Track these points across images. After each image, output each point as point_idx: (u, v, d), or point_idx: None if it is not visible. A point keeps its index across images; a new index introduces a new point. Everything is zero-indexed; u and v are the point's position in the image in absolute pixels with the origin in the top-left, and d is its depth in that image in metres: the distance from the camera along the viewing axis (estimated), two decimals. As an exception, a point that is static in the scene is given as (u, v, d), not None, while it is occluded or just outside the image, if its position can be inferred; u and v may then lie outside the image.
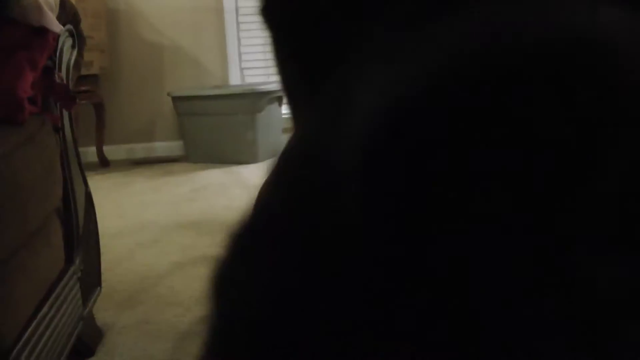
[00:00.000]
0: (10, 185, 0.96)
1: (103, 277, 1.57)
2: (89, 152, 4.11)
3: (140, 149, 4.37)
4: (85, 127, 3.91)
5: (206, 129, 3.94)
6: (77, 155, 1.48)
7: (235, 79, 4.39)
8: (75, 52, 1.55)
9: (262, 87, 3.86)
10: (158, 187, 3.29)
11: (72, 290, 1.29)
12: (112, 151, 4.25)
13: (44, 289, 1.14)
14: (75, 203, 1.40)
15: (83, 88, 3.73)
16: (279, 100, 4.06)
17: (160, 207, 2.82)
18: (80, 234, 1.41)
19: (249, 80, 4.46)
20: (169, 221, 2.54)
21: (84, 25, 3.80)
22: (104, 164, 4.09)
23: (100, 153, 4.09)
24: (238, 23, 4.34)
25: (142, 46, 4.28)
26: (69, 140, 1.44)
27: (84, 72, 3.62)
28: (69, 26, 1.49)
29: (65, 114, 1.45)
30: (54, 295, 1.16)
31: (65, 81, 1.45)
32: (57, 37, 1.37)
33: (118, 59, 4.23)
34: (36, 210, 1.09)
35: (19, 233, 0.99)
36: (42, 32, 1.29)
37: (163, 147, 4.37)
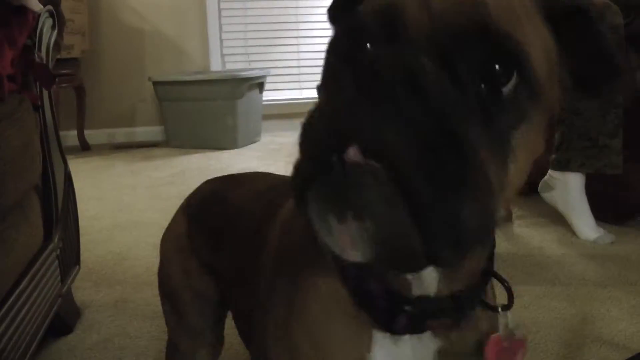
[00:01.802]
0: (-11, 160, 0.98)
1: (82, 257, 1.58)
2: (70, 136, 4.09)
3: (121, 134, 4.36)
4: (66, 110, 3.89)
5: (187, 114, 3.94)
6: (57, 135, 1.50)
7: (216, 65, 4.39)
8: (55, 33, 1.55)
9: (243, 73, 3.87)
10: (138, 171, 3.29)
11: (51, 267, 1.31)
12: (93, 135, 4.24)
13: (23, 265, 1.16)
14: (55, 181, 1.42)
15: (64, 71, 3.71)
16: (260, 86, 4.07)
17: (139, 190, 2.83)
18: (59, 212, 1.42)
19: (230, 66, 4.46)
20: (147, 204, 2.56)
21: (65, 8, 3.77)
22: (85, 147, 4.08)
23: (81, 137, 4.08)
24: (220, 10, 4.34)
25: (124, 30, 4.26)
26: (48, 119, 1.45)
27: (64, 55, 3.60)
28: (49, 6, 1.50)
29: (45, 93, 1.46)
30: (32, 271, 1.17)
31: (45, 61, 1.46)
32: (37, 16, 1.38)
33: (99, 43, 4.21)
34: (14, 186, 1.11)
35: (-2, 207, 1.01)
36: (22, 11, 1.30)
37: (144, 132, 4.36)
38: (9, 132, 1.13)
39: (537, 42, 0.49)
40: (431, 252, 0.43)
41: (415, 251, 0.42)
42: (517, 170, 0.49)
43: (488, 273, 0.65)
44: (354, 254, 0.43)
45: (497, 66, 0.45)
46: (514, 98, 0.46)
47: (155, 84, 3.98)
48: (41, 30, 1.46)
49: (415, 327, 0.58)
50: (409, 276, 0.56)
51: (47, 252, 1.28)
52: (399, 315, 0.57)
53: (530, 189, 2.33)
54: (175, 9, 4.27)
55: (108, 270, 1.84)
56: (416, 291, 0.57)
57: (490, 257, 0.65)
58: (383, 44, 0.47)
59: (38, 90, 1.42)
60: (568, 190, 2.05)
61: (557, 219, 2.15)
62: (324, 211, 0.43)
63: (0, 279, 1.05)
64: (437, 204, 0.41)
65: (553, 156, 2.08)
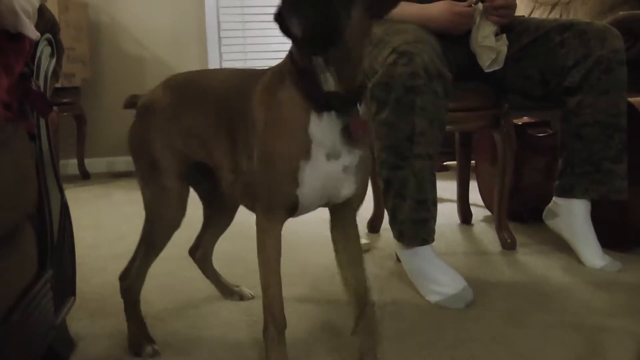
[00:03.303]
0: (-20, 188, 0.96)
1: (78, 287, 1.55)
2: (70, 165, 4.08)
3: (121, 162, 4.34)
4: (66, 139, 3.89)
5: (187, 142, 3.93)
6: (54, 164, 1.47)
7: (217, 94, 4.39)
8: (53, 61, 1.54)
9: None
10: (137, 199, 3.24)
11: (44, 298, 1.28)
12: (93, 164, 4.22)
13: (14, 296, 1.13)
14: (50, 211, 1.39)
15: (65, 100, 3.71)
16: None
17: (138, 219, 2.78)
18: (54, 243, 1.39)
19: (231, 94, 4.46)
20: (147, 233, 2.52)
21: (67, 37, 3.80)
22: (85, 176, 4.07)
23: (80, 165, 4.07)
24: (220, 38, 4.35)
25: (124, 58, 4.27)
26: (45, 148, 1.43)
27: (65, 84, 3.60)
28: (47, 34, 1.48)
29: (42, 122, 1.44)
30: (24, 302, 1.14)
31: (42, 89, 1.44)
32: (34, 44, 1.37)
33: (100, 71, 4.22)
34: (7, 215, 1.08)
35: (-12, 237, 0.99)
36: (19, 38, 1.29)
37: (144, 160, 4.35)
38: (3, 160, 1.11)
39: None
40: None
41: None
42: (352, 21, 1.05)
43: (362, 90, 1.17)
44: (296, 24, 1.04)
45: None
46: None
47: (155, 112, 3.98)
48: (39, 58, 1.44)
49: (328, 104, 1.13)
50: (320, 79, 1.13)
51: (40, 283, 1.25)
52: (320, 98, 1.13)
53: (535, 216, 2.30)
54: (176, 37, 4.29)
55: (104, 300, 1.81)
56: (326, 88, 1.13)
57: (364, 82, 1.18)
58: None
59: (35, 118, 1.40)
60: (573, 217, 2.02)
61: (562, 246, 2.11)
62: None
63: (-10, 311, 1.02)
64: None
65: (556, 182, 2.06)
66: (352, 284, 1.33)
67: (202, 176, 1.49)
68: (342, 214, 1.33)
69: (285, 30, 1.05)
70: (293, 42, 1.11)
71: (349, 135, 1.17)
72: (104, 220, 2.85)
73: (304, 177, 1.17)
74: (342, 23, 1.04)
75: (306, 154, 1.16)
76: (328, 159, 1.17)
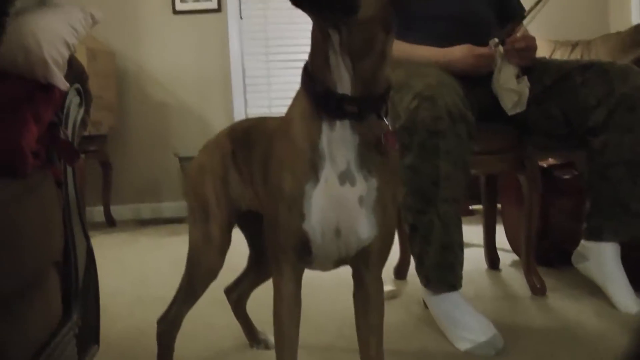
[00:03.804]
0: (7, 234, 0.97)
1: (102, 333, 1.55)
2: (96, 212, 4.12)
3: (146, 209, 4.38)
4: (92, 186, 3.93)
5: (212, 188, 3.95)
6: (80, 210, 1.49)
7: (242, 140, 4.42)
8: (82, 110, 1.57)
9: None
10: (163, 246, 3.28)
11: (68, 345, 1.28)
12: (119, 211, 4.26)
13: (39, 343, 1.13)
14: (76, 258, 1.40)
15: (92, 148, 3.77)
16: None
17: (163, 266, 2.81)
18: (79, 289, 1.40)
19: (256, 140, 4.49)
20: (171, 280, 2.51)
21: (95, 85, 3.87)
22: (111, 223, 4.10)
23: (106, 212, 4.10)
24: (245, 85, 4.41)
25: (151, 106, 4.34)
26: (71, 195, 1.44)
27: (93, 132, 3.66)
28: (76, 85, 1.52)
29: (69, 169, 1.46)
30: (48, 349, 1.14)
31: (70, 137, 1.47)
32: (63, 93, 1.40)
33: (126, 118, 4.29)
34: (33, 262, 1.09)
35: (14, 283, 0.99)
36: (49, 88, 1.32)
37: (170, 207, 4.37)
38: (30, 207, 1.12)
39: None
40: None
41: None
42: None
43: (384, 99, 1.06)
44: None
45: None
46: None
47: (181, 159, 4.02)
48: (68, 107, 1.48)
49: (338, 109, 1.02)
50: (333, 78, 1.02)
51: (64, 330, 1.25)
52: (331, 100, 1.02)
53: (564, 260, 2.26)
54: (201, 84, 4.36)
55: (128, 347, 1.79)
56: (340, 90, 1.02)
57: (387, 91, 1.07)
58: None
59: (62, 166, 1.42)
60: (603, 260, 1.98)
61: (594, 290, 2.07)
62: None
63: (14, 357, 1.02)
64: None
65: (584, 225, 2.02)
66: (367, 354, 1.19)
67: (253, 221, 1.45)
68: (364, 272, 1.15)
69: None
70: (306, 5, 0.96)
71: (366, 157, 1.04)
72: (129, 267, 2.86)
73: (310, 205, 1.04)
74: None
75: (313, 175, 1.04)
76: (342, 182, 1.04)
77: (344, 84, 1.02)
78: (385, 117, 1.07)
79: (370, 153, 1.05)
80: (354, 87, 1.02)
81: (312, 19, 1.02)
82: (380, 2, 0.98)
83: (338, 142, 1.04)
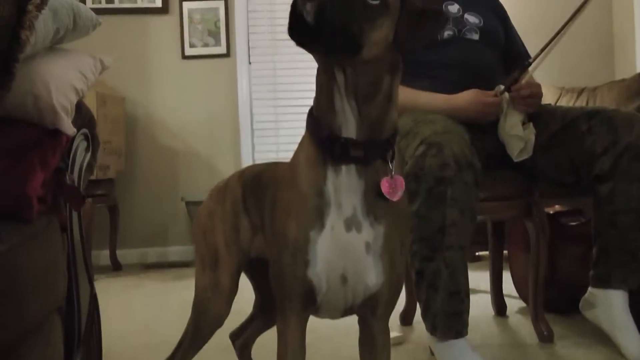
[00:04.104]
0: (10, 281, 0.96)
1: (105, 380, 1.53)
2: (102, 256, 4.11)
3: (152, 253, 4.37)
4: (99, 230, 3.94)
5: (218, 232, 3.95)
6: (85, 255, 1.49)
7: (249, 184, 4.43)
8: (89, 155, 1.58)
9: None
10: (168, 290, 3.26)
11: (70, 393, 1.26)
12: (125, 255, 4.25)
13: (40, 391, 1.11)
14: (79, 304, 1.39)
15: (99, 192, 3.78)
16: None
17: (168, 311, 2.79)
18: (82, 335, 1.39)
19: (263, 185, 4.50)
20: (176, 324, 2.50)
21: (104, 130, 3.91)
22: (116, 267, 4.09)
23: (112, 256, 4.09)
24: (252, 130, 4.44)
25: (158, 150, 4.37)
26: (76, 240, 1.45)
27: (100, 176, 3.68)
28: (84, 130, 1.53)
29: (75, 214, 1.47)
30: (49, 397, 1.13)
31: (76, 182, 1.48)
32: (70, 138, 1.41)
33: (134, 162, 4.31)
34: (36, 308, 1.08)
35: (17, 329, 0.98)
36: (56, 133, 1.33)
37: (176, 251, 4.36)
38: (34, 253, 1.12)
39: None
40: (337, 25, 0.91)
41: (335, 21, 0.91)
42: (373, 32, 0.95)
43: (390, 144, 1.05)
44: (310, 7, 0.90)
45: None
46: (377, 5, 0.95)
47: (188, 203, 4.03)
48: (75, 152, 1.49)
49: (344, 153, 1.01)
50: (339, 121, 1.01)
51: (67, 377, 1.24)
52: (336, 144, 1.01)
53: (572, 307, 2.24)
54: (209, 129, 4.39)
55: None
56: (345, 133, 1.01)
57: (393, 136, 1.06)
58: None
59: (67, 210, 1.42)
60: (611, 308, 1.95)
61: (602, 338, 2.04)
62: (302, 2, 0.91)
63: (15, 407, 1.00)
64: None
65: (592, 272, 2.00)
66: None
67: (260, 267, 1.40)
68: (371, 320, 1.14)
69: (301, 36, 0.94)
70: (309, 44, 0.96)
71: (372, 202, 1.03)
72: (134, 311, 2.84)
73: (316, 252, 1.03)
74: (363, 27, 0.94)
75: (319, 221, 1.03)
76: (348, 229, 1.03)
77: (349, 127, 1.01)
78: (391, 162, 1.06)
79: (377, 198, 1.04)
80: (360, 131, 1.01)
81: (316, 59, 1.02)
82: (385, 42, 0.98)
83: (344, 187, 1.03)
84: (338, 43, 0.92)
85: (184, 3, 4.35)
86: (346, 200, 1.03)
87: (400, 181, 1.06)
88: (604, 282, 1.96)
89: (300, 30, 0.93)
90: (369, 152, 1.02)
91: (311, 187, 1.04)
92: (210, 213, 1.41)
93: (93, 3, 4.26)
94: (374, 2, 0.95)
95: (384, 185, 1.03)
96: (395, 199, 1.04)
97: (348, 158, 1.02)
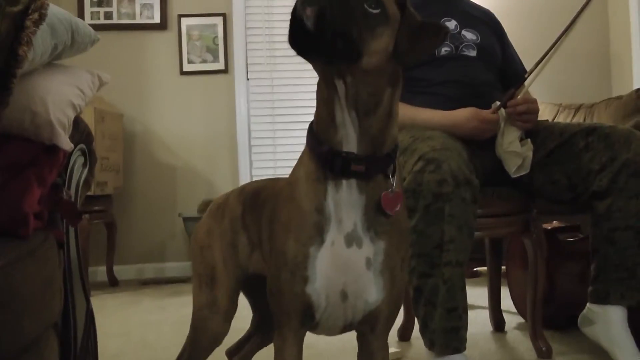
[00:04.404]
0: (6, 297, 0.96)
1: (100, 398, 1.52)
2: (99, 272, 4.10)
3: (150, 269, 4.35)
4: (96, 246, 3.92)
5: (216, 248, 3.93)
6: (81, 271, 1.48)
7: (246, 200, 4.42)
8: (86, 171, 1.58)
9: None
10: (165, 307, 3.25)
11: (65, 410, 1.25)
12: (122, 271, 4.23)
13: (34, 408, 1.10)
14: (75, 320, 1.39)
15: (96, 208, 3.77)
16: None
17: (164, 327, 2.77)
18: (77, 352, 1.38)
19: (260, 201, 4.49)
20: (173, 341, 2.49)
21: (102, 147, 3.91)
22: (113, 283, 4.07)
23: (109, 273, 4.08)
24: (250, 146, 4.44)
25: (156, 166, 4.37)
26: (73, 256, 1.44)
27: (98, 192, 3.68)
28: (81, 145, 1.53)
29: (71, 230, 1.46)
30: (44, 415, 1.12)
31: (73, 198, 1.48)
32: (68, 154, 1.41)
33: (132, 179, 4.31)
34: (31, 324, 1.07)
35: (12, 346, 0.98)
36: (53, 149, 1.33)
37: (173, 267, 4.35)
38: (31, 269, 1.12)
39: (393, 7, 1.00)
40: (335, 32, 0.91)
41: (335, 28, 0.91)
42: (373, 40, 0.95)
43: (391, 158, 1.04)
44: (310, 12, 0.90)
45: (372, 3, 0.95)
46: (377, 14, 0.95)
47: (185, 219, 4.02)
48: (72, 167, 1.48)
49: (345, 168, 1.01)
50: (339, 136, 1.01)
51: (62, 394, 1.23)
52: (337, 159, 1.00)
53: (570, 323, 2.23)
54: (207, 145, 4.39)
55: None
56: (345, 147, 1.01)
57: (394, 150, 1.05)
58: None
59: (64, 226, 1.42)
60: (610, 324, 1.95)
61: (601, 354, 2.02)
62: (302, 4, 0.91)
63: None
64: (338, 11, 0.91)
65: (590, 288, 1.99)
66: None
67: (257, 284, 1.39)
68: (370, 337, 1.13)
69: (302, 43, 0.94)
70: (310, 51, 0.96)
71: (373, 218, 1.03)
72: (131, 328, 2.82)
73: (315, 268, 1.02)
74: (363, 35, 0.93)
75: (318, 237, 1.02)
76: (348, 244, 1.03)
77: (350, 141, 1.01)
78: (393, 177, 1.05)
79: (378, 214, 1.03)
80: (361, 145, 1.01)
81: (316, 70, 1.02)
82: (385, 52, 0.98)
83: (344, 203, 1.02)
84: (338, 50, 0.92)
85: (183, 19, 4.37)
86: (347, 216, 1.02)
87: (399, 196, 1.05)
88: (603, 299, 1.95)
89: (301, 38, 0.93)
90: (370, 167, 1.02)
91: (311, 203, 1.04)
92: (208, 230, 1.40)
93: (92, 19, 4.28)
94: (375, 11, 0.95)
95: (384, 200, 1.03)
96: (393, 213, 1.04)
97: (349, 173, 1.01)
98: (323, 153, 1.02)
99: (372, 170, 1.02)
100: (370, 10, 0.95)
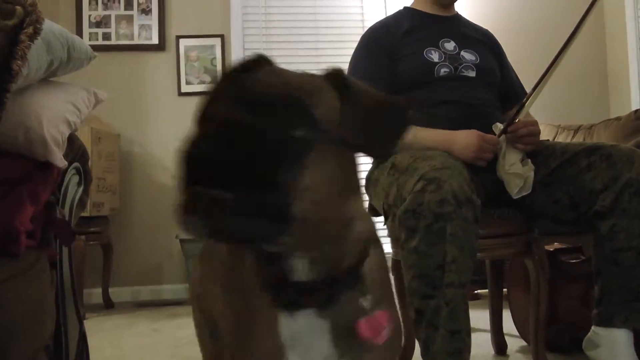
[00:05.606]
0: (-6, 318, 0.93)
1: (92, 423, 1.48)
2: (94, 294, 4.05)
3: (146, 291, 4.30)
4: (92, 267, 3.88)
5: (213, 270, 3.89)
6: (75, 292, 1.45)
7: (244, 222, 4.39)
8: (80, 190, 1.55)
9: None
10: (160, 329, 3.20)
11: None
12: (118, 293, 4.18)
13: None
14: (67, 341, 1.35)
15: (92, 229, 3.74)
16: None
17: (160, 350, 2.73)
18: (69, 375, 1.34)
19: (258, 222, 4.46)
20: (168, 365, 2.45)
21: (98, 168, 3.88)
22: (108, 305, 4.02)
23: (105, 294, 4.03)
24: (248, 167, 4.42)
25: (153, 187, 4.34)
26: (66, 276, 1.41)
27: (94, 213, 3.64)
28: (76, 164, 1.51)
29: (65, 250, 1.43)
30: None
31: (67, 217, 1.45)
32: (62, 172, 1.38)
33: (128, 200, 4.27)
34: (22, 346, 1.04)
35: (-1, 370, 0.94)
36: (47, 166, 1.30)
37: (169, 289, 4.30)
38: (22, 289, 1.09)
39: (325, 104, 0.77)
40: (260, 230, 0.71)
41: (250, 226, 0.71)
42: (312, 181, 0.73)
43: (355, 275, 0.85)
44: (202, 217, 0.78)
45: (291, 117, 0.73)
46: (305, 137, 0.73)
47: (182, 241, 3.99)
48: (66, 186, 1.46)
49: (295, 302, 0.83)
50: (287, 266, 0.82)
51: (52, 420, 1.19)
52: (282, 292, 0.83)
53: (573, 346, 2.20)
54: (205, 167, 4.36)
55: None
56: (294, 277, 0.83)
57: (361, 259, 0.85)
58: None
59: (57, 246, 1.39)
60: (615, 347, 1.91)
61: (606, 379, 1.99)
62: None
63: None
64: (253, 202, 0.69)
65: (594, 311, 1.96)
66: None
67: None
68: None
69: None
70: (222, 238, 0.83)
71: (347, 342, 0.85)
72: (126, 351, 2.77)
73: None
74: (286, 188, 0.72)
75: None
76: None
77: (298, 271, 0.84)
78: (364, 295, 0.86)
79: (353, 335, 0.85)
80: (312, 272, 0.83)
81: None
82: (327, 179, 0.76)
83: (304, 330, 0.85)
84: (254, 236, 0.73)
85: (181, 40, 4.37)
86: (312, 348, 0.85)
87: (383, 317, 0.86)
88: (607, 321, 1.92)
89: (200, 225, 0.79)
90: (329, 293, 0.84)
91: (264, 339, 0.87)
92: (202, 279, 1.27)
93: (90, 40, 4.27)
94: (292, 135, 0.73)
95: (362, 328, 0.84)
96: (381, 341, 0.84)
97: (302, 305, 0.84)
98: (267, 282, 0.85)
99: (331, 296, 0.84)
100: (291, 134, 0.74)
